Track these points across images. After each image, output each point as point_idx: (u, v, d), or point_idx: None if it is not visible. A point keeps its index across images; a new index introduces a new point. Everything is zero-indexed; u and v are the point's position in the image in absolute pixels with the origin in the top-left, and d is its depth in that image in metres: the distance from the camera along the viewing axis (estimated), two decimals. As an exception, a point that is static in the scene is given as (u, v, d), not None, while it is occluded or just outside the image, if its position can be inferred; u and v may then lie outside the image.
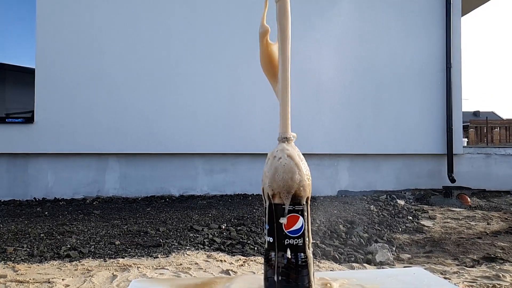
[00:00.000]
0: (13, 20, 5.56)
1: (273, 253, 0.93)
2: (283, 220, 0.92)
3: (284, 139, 0.98)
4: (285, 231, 0.92)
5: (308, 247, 0.94)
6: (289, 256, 0.91)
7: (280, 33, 1.00)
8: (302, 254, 0.92)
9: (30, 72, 5.16)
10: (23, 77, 5.47)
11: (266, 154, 1.00)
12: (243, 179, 5.29)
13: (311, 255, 0.94)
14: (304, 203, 0.94)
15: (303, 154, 0.98)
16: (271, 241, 0.93)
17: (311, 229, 0.98)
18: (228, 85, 5.28)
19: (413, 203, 4.96)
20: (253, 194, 5.19)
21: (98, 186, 5.13)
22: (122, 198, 5.03)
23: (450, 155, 5.47)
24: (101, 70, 5.17)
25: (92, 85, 5.14)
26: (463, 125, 6.12)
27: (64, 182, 5.07)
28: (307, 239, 0.94)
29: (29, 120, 5.04)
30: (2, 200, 4.84)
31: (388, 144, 5.50)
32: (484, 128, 16.57)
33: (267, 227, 0.95)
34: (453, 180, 5.45)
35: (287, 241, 0.92)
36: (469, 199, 5.01)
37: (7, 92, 5.62)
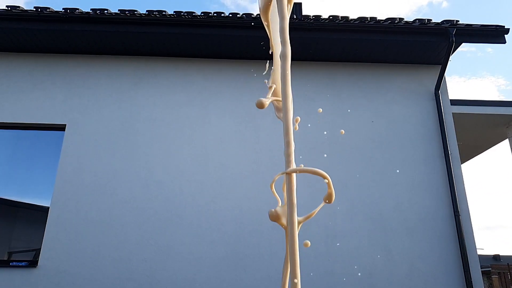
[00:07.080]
0: (37, 164, 5.93)
1: None
2: None
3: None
4: None
5: None
6: None
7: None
8: None
9: (41, 211, 5.29)
10: (35, 215, 5.58)
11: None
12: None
13: None
14: None
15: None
16: None
17: None
18: (234, 227, 5.28)
19: None
20: None
21: None
22: None
23: (474, 312, 5.02)
24: (112, 210, 5.27)
25: (101, 228, 5.18)
26: (484, 270, 5.74)
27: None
28: None
29: (33, 263, 4.95)
30: None
31: (404, 297, 5.12)
32: (508, 275, 15.59)
33: None
34: None
35: None
36: None
37: (16, 230, 5.67)
